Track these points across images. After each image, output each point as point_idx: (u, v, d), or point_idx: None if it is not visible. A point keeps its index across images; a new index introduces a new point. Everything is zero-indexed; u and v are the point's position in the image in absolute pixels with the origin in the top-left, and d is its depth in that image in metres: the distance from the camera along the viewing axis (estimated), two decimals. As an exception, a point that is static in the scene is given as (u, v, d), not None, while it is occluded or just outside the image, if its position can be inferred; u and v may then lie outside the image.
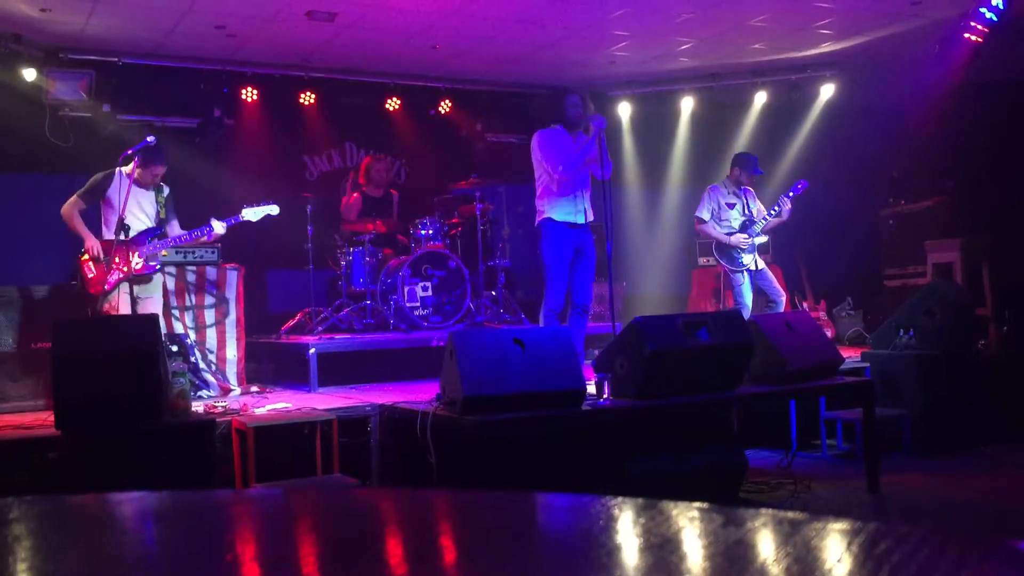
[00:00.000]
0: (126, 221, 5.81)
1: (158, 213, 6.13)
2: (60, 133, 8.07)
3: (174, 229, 6.20)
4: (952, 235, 8.39)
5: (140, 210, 6.06)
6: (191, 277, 6.79)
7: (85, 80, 8.03)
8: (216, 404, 5.78)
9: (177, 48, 8.31)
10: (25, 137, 7.91)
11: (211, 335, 6.80)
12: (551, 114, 6.33)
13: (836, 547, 0.88)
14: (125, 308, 5.82)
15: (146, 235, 6.00)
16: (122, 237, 5.74)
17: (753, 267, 7.50)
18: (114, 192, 5.98)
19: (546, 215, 6.18)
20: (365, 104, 9.57)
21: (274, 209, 6.31)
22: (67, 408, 4.35)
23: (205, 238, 6.13)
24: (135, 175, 5.98)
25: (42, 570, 0.92)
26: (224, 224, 6.10)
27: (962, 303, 7.00)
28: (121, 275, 5.83)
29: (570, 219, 6.18)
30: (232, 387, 6.71)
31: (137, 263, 5.89)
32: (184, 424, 4.69)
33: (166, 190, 6.22)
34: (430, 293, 7.83)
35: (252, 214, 6.24)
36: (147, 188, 6.13)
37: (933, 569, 0.80)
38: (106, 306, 5.82)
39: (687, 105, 10.33)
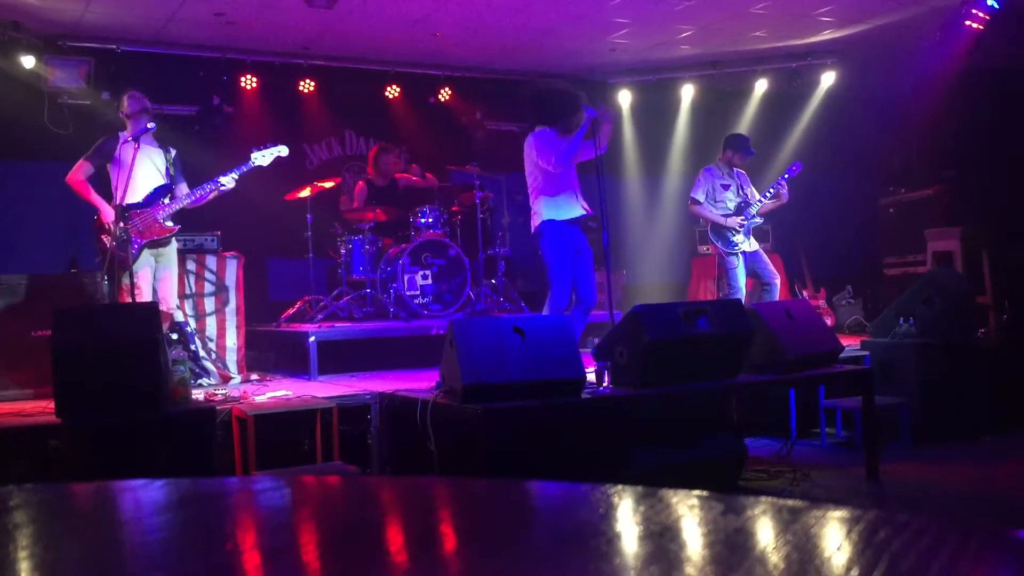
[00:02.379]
0: (135, 181, 5.72)
1: (168, 171, 6.04)
2: (59, 121, 8.05)
3: (182, 190, 6.07)
4: (952, 223, 8.38)
5: (152, 166, 5.95)
6: (191, 265, 6.79)
7: (84, 68, 8.02)
8: (216, 392, 5.78)
9: (176, 35, 8.29)
10: (24, 125, 7.89)
11: (211, 323, 6.81)
12: (544, 114, 6.20)
13: (835, 535, 0.89)
14: (145, 285, 5.76)
15: (158, 194, 5.92)
16: (124, 219, 5.68)
17: (748, 249, 7.46)
18: (123, 153, 5.87)
19: (544, 217, 6.06)
20: (365, 92, 9.55)
21: (283, 150, 6.18)
22: (67, 396, 4.35)
23: (216, 192, 5.98)
24: (140, 137, 5.79)
25: (43, 558, 0.92)
26: (233, 176, 5.94)
27: (962, 292, 7.00)
28: (141, 240, 5.77)
29: (567, 216, 6.08)
30: (232, 375, 6.72)
31: (154, 226, 5.83)
32: (184, 412, 4.69)
33: (173, 152, 6.11)
34: (430, 281, 7.83)
35: (262, 157, 6.10)
36: (155, 142, 6.01)
37: (932, 558, 0.80)
38: (124, 284, 5.67)
39: (687, 93, 10.31)
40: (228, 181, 5.94)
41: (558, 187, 6.07)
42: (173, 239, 6.04)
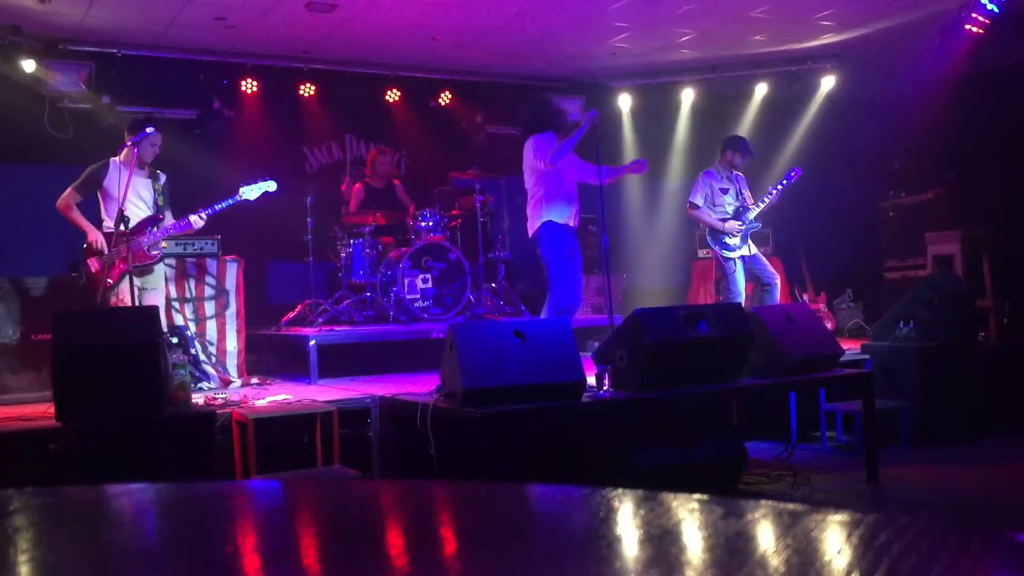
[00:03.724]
0: (125, 211, 5.78)
1: (156, 201, 6.06)
2: (60, 125, 8.05)
3: (167, 220, 6.10)
4: (952, 227, 8.38)
5: (139, 198, 5.98)
6: (191, 269, 6.79)
7: (84, 72, 8.02)
8: (216, 396, 5.78)
9: (176, 39, 8.29)
10: (24, 129, 7.89)
11: (211, 327, 6.81)
12: (542, 119, 6.35)
13: (836, 538, 0.89)
14: (130, 301, 5.78)
15: (146, 224, 5.95)
16: (122, 228, 5.70)
17: (747, 253, 7.44)
18: (111, 182, 5.91)
19: (544, 219, 6.18)
20: (365, 96, 9.56)
21: (271, 185, 6.22)
22: (68, 400, 4.35)
23: (190, 228, 6.02)
24: (135, 160, 5.88)
25: (43, 562, 0.92)
26: (201, 216, 5.94)
27: (962, 295, 7.00)
28: (125, 267, 5.78)
29: (565, 220, 6.21)
30: (232, 379, 6.72)
31: (139, 253, 5.86)
32: (184, 416, 4.69)
33: (163, 178, 6.12)
34: (430, 285, 7.83)
35: (249, 192, 6.15)
36: (146, 170, 6.05)
37: (933, 560, 0.80)
38: (113, 300, 5.77)
39: (687, 97, 10.31)
40: (196, 221, 5.94)
41: (558, 193, 6.15)
42: (159, 266, 6.06)
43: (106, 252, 5.78)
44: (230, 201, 6.04)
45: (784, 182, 7.46)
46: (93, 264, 5.81)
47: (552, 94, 9.65)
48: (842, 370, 5.88)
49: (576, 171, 6.43)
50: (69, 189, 5.95)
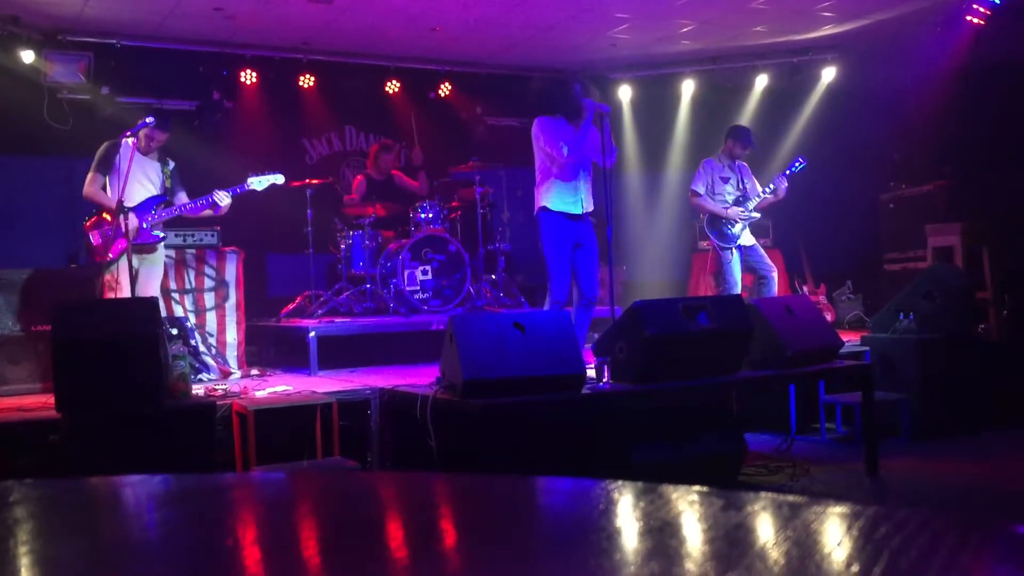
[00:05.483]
0: (130, 189, 5.76)
1: (163, 183, 6.10)
2: (59, 116, 8.04)
3: (181, 199, 6.16)
4: (953, 219, 8.37)
5: (146, 178, 6.03)
6: (191, 260, 6.79)
7: (84, 62, 8.01)
8: (216, 387, 5.78)
9: (176, 30, 8.28)
10: (24, 120, 7.88)
11: (211, 318, 6.81)
12: (554, 102, 6.13)
13: (836, 531, 0.89)
14: (126, 280, 5.79)
15: (151, 203, 5.98)
16: (123, 209, 5.72)
17: (744, 243, 7.42)
18: (120, 162, 5.95)
19: (543, 204, 5.95)
20: (365, 87, 9.55)
21: (279, 178, 6.28)
22: (67, 391, 4.35)
23: (211, 211, 6.08)
24: (139, 143, 5.92)
25: (43, 553, 0.92)
26: (227, 194, 6.03)
27: (962, 287, 6.99)
28: (124, 244, 5.79)
29: (567, 209, 5.94)
30: (232, 370, 6.72)
31: (140, 230, 5.88)
32: (184, 407, 4.69)
33: (171, 164, 6.19)
34: (430, 277, 7.83)
35: (257, 183, 6.18)
36: (155, 154, 6.10)
37: (933, 553, 0.80)
38: (107, 276, 5.79)
39: (688, 88, 10.29)
40: (222, 199, 6.01)
41: (564, 175, 5.94)
42: (160, 247, 6.10)
43: (110, 226, 5.79)
44: (238, 190, 6.09)
45: (787, 172, 7.45)
46: (95, 237, 5.85)
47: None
48: (842, 362, 5.88)
49: (591, 151, 6.15)
50: (91, 173, 6.01)
